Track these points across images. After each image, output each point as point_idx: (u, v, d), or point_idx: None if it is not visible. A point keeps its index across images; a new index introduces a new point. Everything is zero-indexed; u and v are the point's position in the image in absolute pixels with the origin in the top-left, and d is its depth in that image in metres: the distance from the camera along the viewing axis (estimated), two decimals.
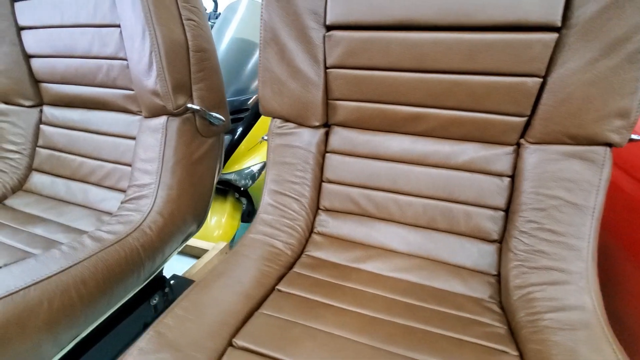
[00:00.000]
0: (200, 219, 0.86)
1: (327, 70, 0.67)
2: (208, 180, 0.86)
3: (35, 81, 0.89)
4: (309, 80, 0.68)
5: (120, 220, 0.71)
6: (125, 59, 0.74)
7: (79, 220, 0.78)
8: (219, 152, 0.89)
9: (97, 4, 0.73)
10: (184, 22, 0.72)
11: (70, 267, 0.57)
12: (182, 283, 0.92)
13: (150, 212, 0.71)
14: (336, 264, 0.67)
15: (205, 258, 1.02)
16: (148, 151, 0.75)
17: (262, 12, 0.65)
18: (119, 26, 0.72)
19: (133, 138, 0.81)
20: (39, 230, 0.74)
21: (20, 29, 0.85)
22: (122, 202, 0.76)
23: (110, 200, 0.82)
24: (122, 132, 0.82)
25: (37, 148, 0.92)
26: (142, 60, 0.69)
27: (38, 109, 0.91)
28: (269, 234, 0.69)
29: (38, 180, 0.90)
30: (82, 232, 0.75)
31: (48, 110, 0.91)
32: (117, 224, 0.70)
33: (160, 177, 0.73)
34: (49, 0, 0.79)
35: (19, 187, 0.90)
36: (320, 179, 0.75)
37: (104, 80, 0.79)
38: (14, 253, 0.65)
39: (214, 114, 0.80)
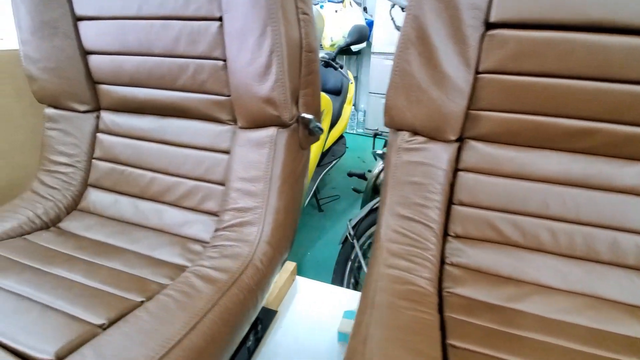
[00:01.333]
0: (292, 242, 0.75)
1: (478, 75, 0.57)
2: (302, 197, 0.75)
3: (93, 82, 0.75)
4: (455, 87, 0.57)
5: (225, 253, 0.59)
6: (222, 59, 0.62)
7: (159, 249, 0.66)
8: (308, 164, 0.78)
9: None
10: (300, 16, 0.60)
11: (198, 323, 0.46)
12: (266, 315, 0.81)
13: (259, 242, 0.60)
14: (490, 304, 0.57)
15: (279, 282, 0.91)
16: (250, 169, 0.63)
17: (410, 6, 0.54)
18: (219, 19, 0.60)
19: (222, 151, 0.68)
20: (117, 264, 0.61)
21: (77, 19, 0.71)
22: (217, 230, 0.64)
23: (193, 224, 0.70)
24: (207, 144, 0.69)
25: (93, 160, 0.78)
26: (257, 62, 0.57)
27: (94, 114, 0.78)
28: (405, 267, 0.59)
29: (96, 198, 0.77)
30: (169, 264, 0.63)
31: (107, 117, 0.77)
32: (222, 257, 0.58)
33: (268, 200, 0.62)
34: None
35: (74, 206, 0.77)
36: (450, 201, 0.65)
37: (188, 83, 0.66)
38: (108, 301, 0.52)
39: (318, 124, 0.68)
